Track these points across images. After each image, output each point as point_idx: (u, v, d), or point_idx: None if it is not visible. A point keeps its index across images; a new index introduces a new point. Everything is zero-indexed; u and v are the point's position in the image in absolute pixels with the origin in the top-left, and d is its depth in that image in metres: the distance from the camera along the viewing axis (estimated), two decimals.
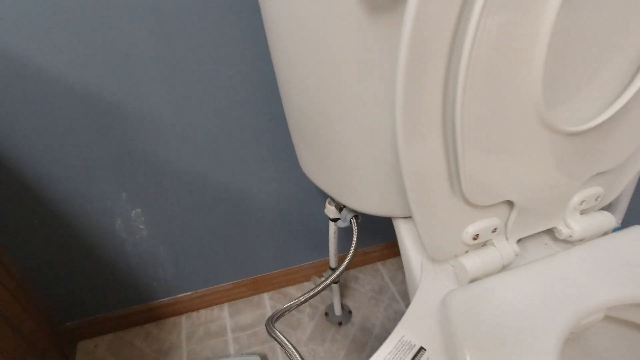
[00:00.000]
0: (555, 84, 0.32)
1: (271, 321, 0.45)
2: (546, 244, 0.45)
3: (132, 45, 0.51)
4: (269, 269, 0.86)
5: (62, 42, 0.49)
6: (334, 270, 0.73)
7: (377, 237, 0.92)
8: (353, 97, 0.37)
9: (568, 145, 0.35)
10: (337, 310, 0.84)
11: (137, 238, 0.69)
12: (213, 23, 0.53)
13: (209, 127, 0.61)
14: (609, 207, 0.69)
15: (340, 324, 0.83)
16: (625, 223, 0.69)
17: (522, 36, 0.27)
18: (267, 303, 0.88)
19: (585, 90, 0.34)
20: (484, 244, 0.41)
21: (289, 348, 0.40)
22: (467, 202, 0.36)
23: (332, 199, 0.60)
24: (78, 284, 0.73)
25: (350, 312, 0.86)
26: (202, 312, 0.86)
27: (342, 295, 0.89)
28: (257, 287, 0.88)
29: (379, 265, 0.96)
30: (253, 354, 0.76)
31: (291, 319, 0.84)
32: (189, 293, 0.83)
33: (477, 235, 0.38)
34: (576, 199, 0.42)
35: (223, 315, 0.85)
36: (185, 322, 0.84)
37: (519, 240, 0.46)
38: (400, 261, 1.00)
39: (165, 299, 0.82)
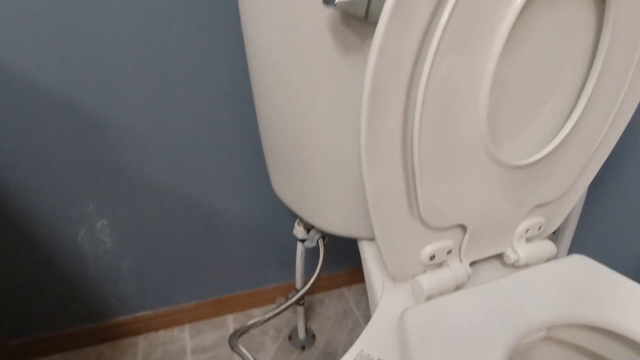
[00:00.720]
0: (501, 122, 0.37)
1: (234, 336, 0.45)
2: (496, 268, 0.49)
3: (116, 58, 0.53)
4: (234, 289, 0.85)
5: (43, 50, 0.50)
6: (298, 291, 0.74)
7: (343, 262, 0.93)
8: (323, 122, 0.40)
9: (513, 177, 0.40)
10: (301, 334, 0.83)
11: (99, 251, 0.68)
12: (197, 42, 0.56)
13: (185, 142, 0.63)
14: (557, 237, 0.75)
15: (303, 347, 0.83)
16: (571, 252, 0.75)
17: (469, 77, 0.32)
18: (231, 325, 0.86)
19: (528, 127, 0.39)
20: (440, 265, 0.44)
21: None
22: (425, 224, 0.39)
23: (301, 220, 0.62)
24: (28, 297, 0.69)
25: (314, 336, 0.85)
26: (162, 332, 0.83)
27: (307, 319, 0.89)
28: (220, 308, 0.86)
29: (344, 290, 0.97)
30: None
31: (254, 341, 0.83)
32: (149, 312, 0.80)
33: (434, 255, 0.42)
34: (522, 227, 0.46)
35: (183, 336, 0.83)
36: (142, 342, 0.81)
37: (473, 263, 0.50)
38: (365, 287, 1.02)
39: (123, 317, 0.79)
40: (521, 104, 0.37)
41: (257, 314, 0.90)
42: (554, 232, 0.76)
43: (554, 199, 0.46)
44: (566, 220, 0.70)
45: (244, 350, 0.41)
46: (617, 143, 0.67)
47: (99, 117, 0.56)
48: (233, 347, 0.42)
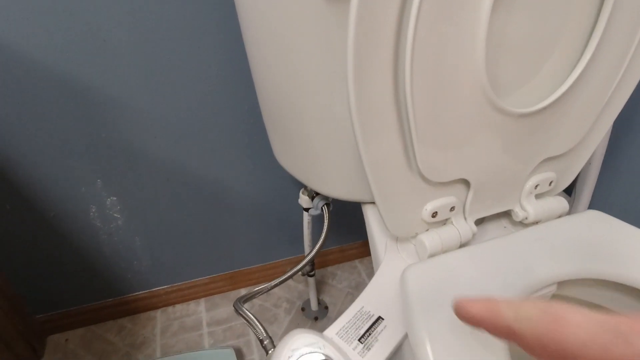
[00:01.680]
0: (503, 72, 0.35)
1: (240, 301, 0.46)
2: (505, 227, 0.48)
3: (108, 31, 0.52)
4: (246, 263, 0.87)
5: (38, 26, 0.50)
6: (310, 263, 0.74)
7: (355, 234, 0.93)
8: (316, 84, 0.39)
9: (518, 128, 0.38)
10: (314, 306, 0.84)
11: (112, 227, 0.69)
12: (191, 12, 0.55)
13: (185, 115, 0.62)
14: (574, 195, 0.72)
15: (316, 318, 0.84)
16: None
17: (460, 27, 0.30)
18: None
19: (533, 78, 0.37)
20: (444, 223, 0.43)
21: (255, 324, 0.41)
22: (424, 179, 0.38)
23: (305, 188, 0.61)
24: (50, 274, 0.72)
25: (326, 308, 0.86)
26: (178, 306, 0.86)
27: (320, 292, 0.90)
28: (234, 282, 0.88)
29: (356, 262, 0.97)
30: (227, 347, 0.76)
31: (267, 313, 0.85)
32: (164, 287, 0.83)
33: (436, 212, 0.40)
34: (530, 182, 0.44)
35: (199, 310, 0.85)
36: (160, 316, 0.84)
37: (480, 223, 0.48)
38: None
39: (140, 292, 0.81)
40: (525, 54, 0.35)
41: None
42: (570, 191, 0.74)
43: (565, 152, 0.44)
44: (584, 177, 0.67)
45: (249, 314, 0.42)
46: (635, 99, 0.62)
47: (96, 93, 0.56)
48: (237, 311, 0.43)
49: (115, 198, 0.66)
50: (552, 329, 0.17)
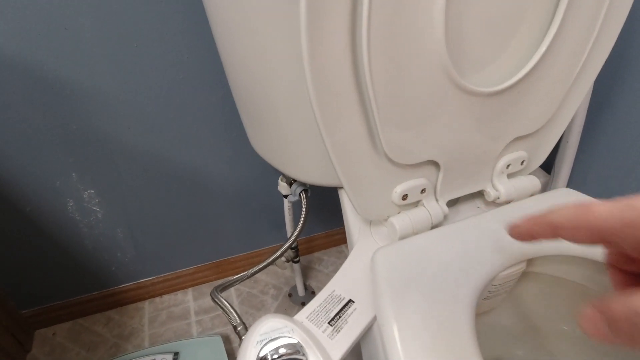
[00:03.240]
0: (467, 52, 0.34)
1: (217, 290, 0.46)
2: (478, 207, 0.48)
3: (69, 18, 0.51)
4: (232, 252, 0.87)
5: None
6: (293, 249, 0.74)
7: (341, 219, 0.93)
8: (283, 68, 0.38)
9: (485, 107, 0.38)
10: (300, 291, 0.85)
11: (92, 220, 0.69)
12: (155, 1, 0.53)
13: (159, 104, 0.61)
14: (552, 177, 0.73)
15: (303, 304, 0.85)
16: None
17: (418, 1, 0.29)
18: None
19: (500, 56, 0.37)
20: (415, 205, 0.43)
21: (230, 311, 0.41)
22: (392, 162, 0.37)
23: (284, 175, 0.61)
24: (33, 269, 0.72)
25: (313, 293, 0.87)
26: (166, 297, 0.86)
27: (307, 277, 0.90)
28: (220, 271, 0.88)
29: (343, 247, 0.98)
30: (215, 334, 0.76)
31: (254, 300, 0.85)
32: (151, 278, 0.83)
33: (406, 195, 0.40)
34: (502, 162, 0.44)
35: (187, 299, 0.86)
36: (148, 307, 0.84)
37: (454, 204, 0.49)
38: None
39: (127, 284, 0.81)
40: (489, 31, 0.34)
41: (257, 275, 0.91)
42: (549, 169, 0.74)
43: (535, 131, 0.44)
44: (562, 155, 0.68)
45: (224, 301, 0.42)
46: (612, 78, 0.62)
47: (63, 83, 0.55)
48: (213, 298, 0.43)
49: (92, 191, 0.66)
50: None
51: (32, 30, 0.51)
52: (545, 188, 0.76)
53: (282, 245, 0.57)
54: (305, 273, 0.91)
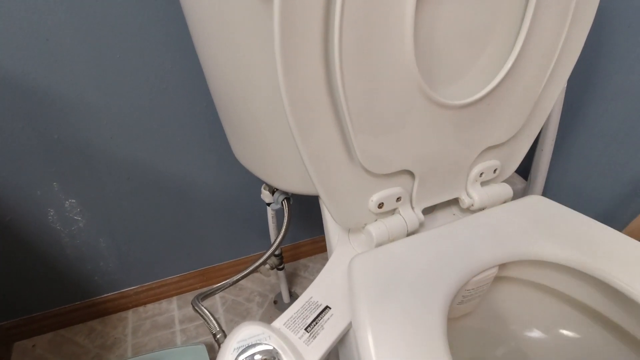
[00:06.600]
0: (438, 66, 0.36)
1: (197, 299, 0.46)
2: (454, 214, 0.49)
3: (50, 29, 0.51)
4: (217, 259, 0.87)
5: None
6: (277, 257, 0.75)
7: None
8: (261, 78, 0.39)
9: (455, 119, 0.39)
10: (286, 298, 0.85)
11: (73, 230, 0.68)
12: (135, 5, 0.54)
13: (142, 113, 0.62)
14: (528, 184, 0.75)
15: None
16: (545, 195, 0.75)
17: (387, 17, 0.30)
18: (217, 294, 0.88)
19: (470, 70, 0.38)
20: (392, 213, 0.44)
21: (209, 319, 0.42)
22: (367, 171, 0.39)
23: (266, 184, 0.62)
24: (12, 280, 0.71)
25: None
26: (150, 306, 0.85)
27: (292, 284, 0.91)
28: (206, 279, 0.88)
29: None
30: (199, 343, 0.76)
31: (240, 307, 0.85)
32: (134, 287, 0.82)
33: (382, 203, 0.42)
34: (475, 171, 0.46)
35: (171, 308, 0.85)
36: (131, 316, 0.83)
37: (431, 211, 0.50)
38: None
39: (110, 293, 0.81)
40: (458, 46, 0.36)
41: (242, 283, 0.91)
42: (526, 176, 0.76)
43: (506, 141, 0.46)
44: (537, 162, 0.70)
45: (204, 309, 0.42)
46: (582, 88, 0.65)
47: (44, 93, 0.55)
48: (194, 307, 0.43)
49: (74, 200, 0.65)
50: None
51: (13, 42, 0.51)
52: (523, 194, 0.78)
53: (265, 253, 0.57)
54: (291, 280, 0.92)
